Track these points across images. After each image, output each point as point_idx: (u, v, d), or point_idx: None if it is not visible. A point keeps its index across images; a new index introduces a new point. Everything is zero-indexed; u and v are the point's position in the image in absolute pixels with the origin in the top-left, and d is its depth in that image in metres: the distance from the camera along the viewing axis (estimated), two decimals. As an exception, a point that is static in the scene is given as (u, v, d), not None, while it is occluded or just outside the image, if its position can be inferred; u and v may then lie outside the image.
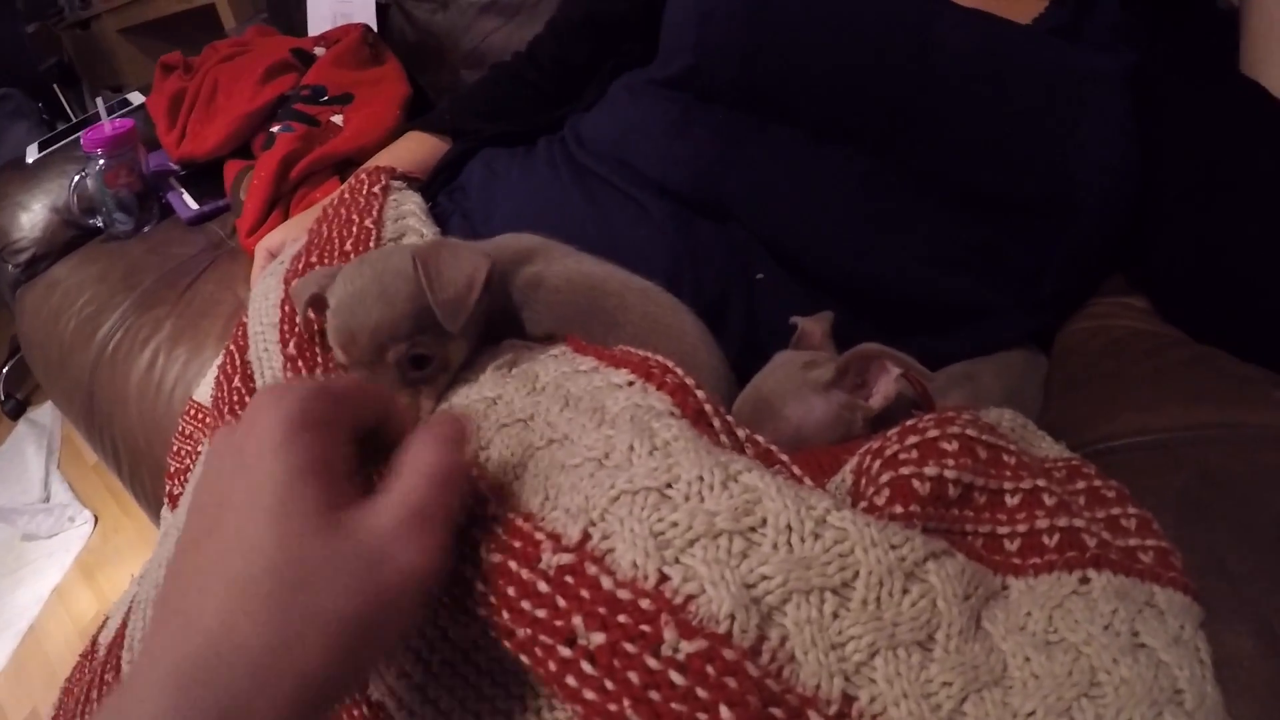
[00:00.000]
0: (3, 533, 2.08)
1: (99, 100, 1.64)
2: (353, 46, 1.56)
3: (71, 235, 1.64)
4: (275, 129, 1.37)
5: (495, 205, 0.88)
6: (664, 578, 0.40)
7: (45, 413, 2.41)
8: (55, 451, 2.26)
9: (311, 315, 0.67)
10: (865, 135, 0.77)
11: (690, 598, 0.39)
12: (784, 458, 0.51)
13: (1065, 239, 0.77)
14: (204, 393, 1.01)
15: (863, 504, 0.48)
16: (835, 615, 0.40)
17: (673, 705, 0.37)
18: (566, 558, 0.42)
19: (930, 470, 0.47)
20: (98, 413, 1.35)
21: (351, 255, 0.75)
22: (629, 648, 0.38)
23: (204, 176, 1.60)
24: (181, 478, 0.95)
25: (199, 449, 0.94)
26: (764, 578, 0.40)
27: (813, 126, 0.79)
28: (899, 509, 0.46)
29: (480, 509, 0.47)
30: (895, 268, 0.76)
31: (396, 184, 0.93)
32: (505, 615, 0.42)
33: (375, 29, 1.69)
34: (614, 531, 0.42)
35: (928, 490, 0.47)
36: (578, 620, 0.40)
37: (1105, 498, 0.50)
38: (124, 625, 0.75)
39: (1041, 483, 0.49)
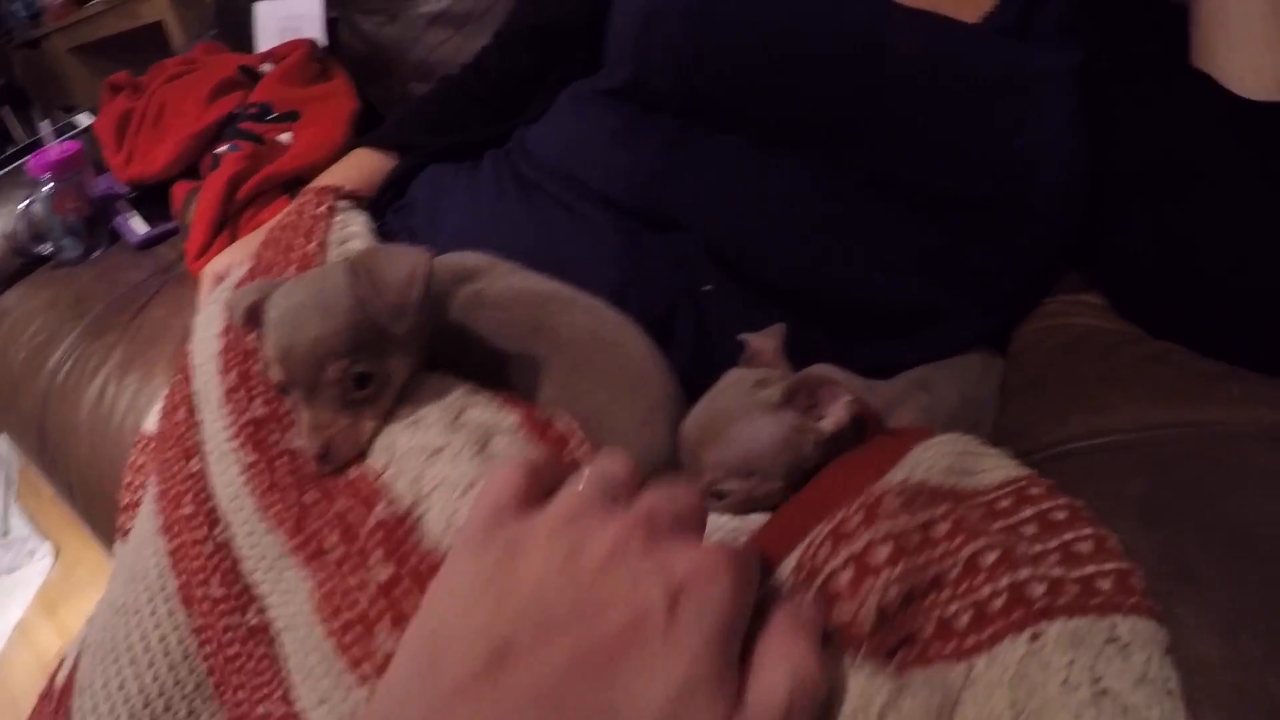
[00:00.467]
0: (-38, 570, 2.03)
1: (44, 124, 1.60)
2: (300, 62, 1.54)
3: (20, 263, 1.60)
4: (221, 149, 1.35)
5: (441, 222, 0.87)
6: None
7: (1, 445, 2.36)
8: (14, 484, 2.21)
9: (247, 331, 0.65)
10: (813, 141, 0.76)
11: None
12: None
13: (1019, 238, 0.77)
14: (153, 423, 0.99)
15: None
16: None
17: None
18: None
19: (870, 601, 0.44)
20: (50, 445, 1.32)
21: (254, 360, 0.73)
22: None
23: (153, 199, 1.57)
24: (133, 511, 0.92)
25: (148, 483, 0.92)
26: None
27: (760, 133, 0.78)
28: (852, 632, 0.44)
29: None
30: (848, 275, 0.75)
31: (342, 204, 0.91)
32: None
33: (323, 44, 1.67)
34: None
35: (872, 618, 0.44)
36: None
37: (1056, 522, 0.47)
38: (74, 670, 0.73)
39: (980, 544, 0.46)
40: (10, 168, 1.76)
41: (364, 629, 0.48)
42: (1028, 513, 0.48)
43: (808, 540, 0.47)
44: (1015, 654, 0.41)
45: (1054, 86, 0.75)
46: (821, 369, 0.58)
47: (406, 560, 0.50)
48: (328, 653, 0.50)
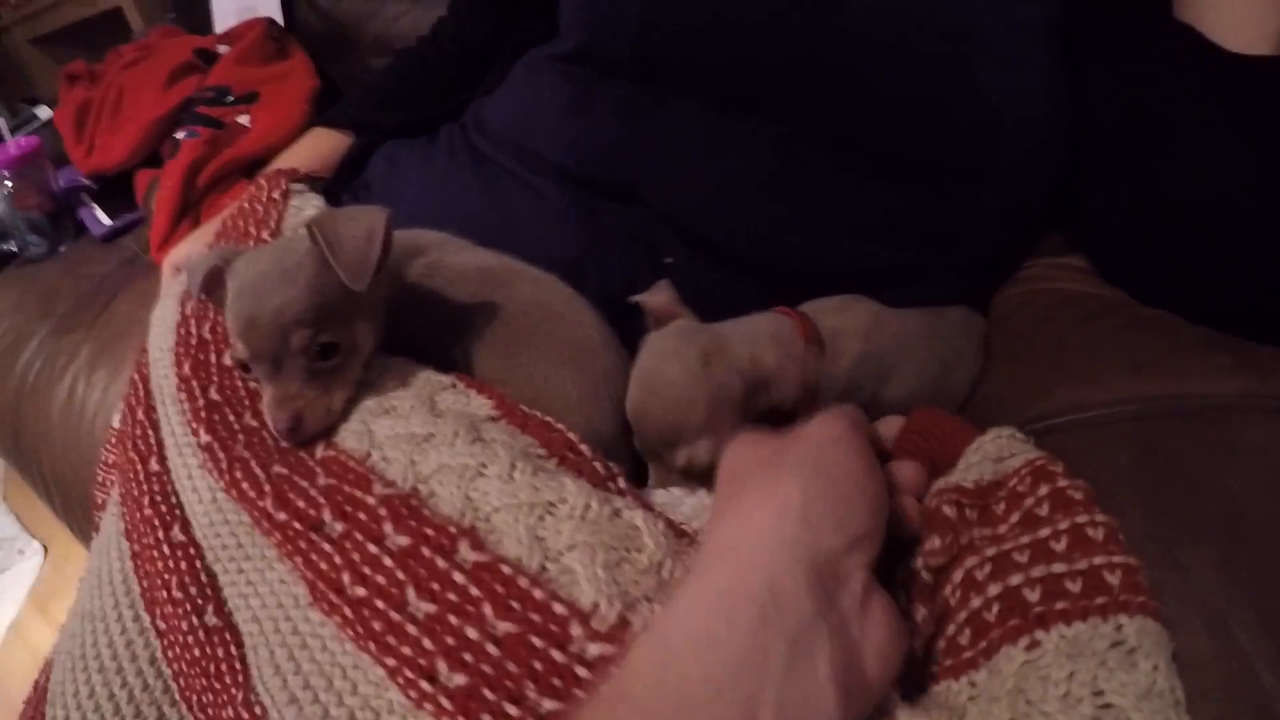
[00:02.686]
0: (-47, 572, 2.02)
1: (1, 121, 1.57)
2: (256, 42, 1.50)
3: (-15, 263, 1.57)
4: (180, 135, 1.32)
5: (397, 200, 0.85)
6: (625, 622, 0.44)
7: (-13, 444, 2.34)
8: (0, 484, 2.21)
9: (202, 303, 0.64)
10: (773, 103, 0.74)
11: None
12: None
13: (992, 198, 0.74)
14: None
15: None
16: None
17: None
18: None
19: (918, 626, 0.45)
20: (25, 446, 1.30)
21: (210, 346, 0.71)
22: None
23: (116, 189, 1.53)
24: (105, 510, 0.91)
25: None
26: None
27: (718, 96, 0.75)
28: None
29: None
30: (813, 241, 0.73)
31: (297, 187, 0.89)
32: None
33: (280, 22, 1.63)
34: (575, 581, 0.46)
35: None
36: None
37: (1071, 501, 0.46)
38: (46, 679, 0.72)
39: (971, 561, 0.46)
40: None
41: (386, 601, 0.48)
42: (1044, 490, 0.47)
43: None
44: (1013, 665, 0.40)
45: (1029, 39, 0.72)
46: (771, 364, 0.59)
47: (421, 530, 0.50)
48: (324, 638, 0.49)
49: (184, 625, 0.58)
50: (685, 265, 0.72)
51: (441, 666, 0.44)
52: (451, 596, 0.46)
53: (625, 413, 0.64)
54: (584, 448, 0.57)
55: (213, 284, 0.62)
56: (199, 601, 0.58)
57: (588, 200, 0.75)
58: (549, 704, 0.41)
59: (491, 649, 0.44)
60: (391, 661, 0.45)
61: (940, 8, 0.72)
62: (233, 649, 0.55)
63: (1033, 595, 0.43)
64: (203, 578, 0.59)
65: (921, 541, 0.47)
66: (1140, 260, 0.71)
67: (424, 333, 0.65)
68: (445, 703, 0.43)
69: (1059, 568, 0.43)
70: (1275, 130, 0.61)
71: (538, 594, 0.45)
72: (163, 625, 0.61)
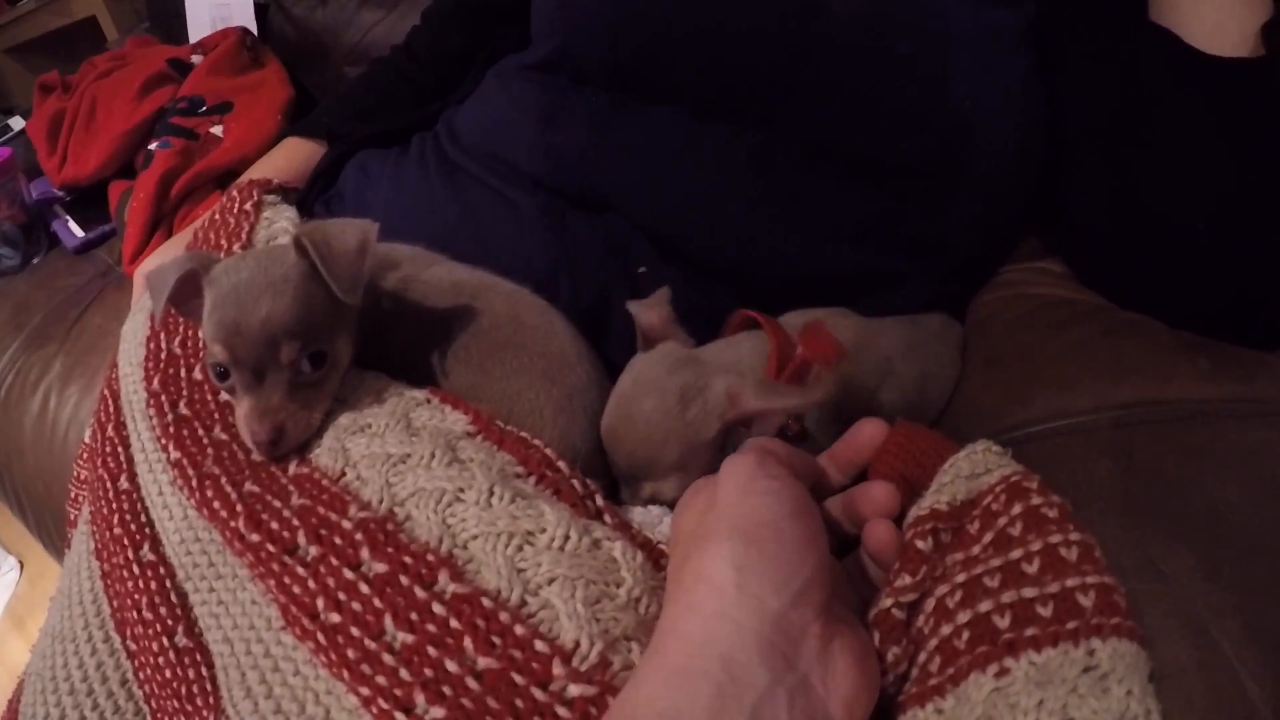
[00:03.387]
0: (-72, 589, 1.99)
1: (-29, 132, 1.55)
2: (230, 52, 1.49)
3: (-43, 277, 1.55)
4: (153, 146, 1.31)
5: (369, 210, 0.84)
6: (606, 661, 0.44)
7: (-37, 459, 2.32)
8: (-25, 499, 2.18)
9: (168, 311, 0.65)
10: (748, 109, 0.73)
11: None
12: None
13: (968, 203, 0.74)
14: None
15: None
16: None
17: None
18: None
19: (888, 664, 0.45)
20: (-4, 462, 1.29)
21: (180, 361, 0.70)
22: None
23: (89, 201, 1.51)
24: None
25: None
26: None
27: (692, 104, 0.75)
28: None
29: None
30: (789, 248, 0.73)
31: (270, 198, 0.88)
32: None
33: (254, 31, 1.62)
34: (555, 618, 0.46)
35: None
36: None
37: (1045, 519, 0.45)
38: (16, 700, 0.71)
39: (943, 589, 0.45)
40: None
41: (361, 629, 0.47)
42: (1017, 509, 0.46)
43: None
44: (981, 692, 0.40)
45: (1003, 45, 0.72)
46: (753, 406, 0.58)
47: (399, 558, 0.49)
48: (297, 662, 0.48)
49: (154, 646, 0.57)
50: (658, 275, 0.72)
51: (419, 698, 0.43)
52: (431, 628, 0.45)
53: (595, 426, 0.64)
54: (562, 465, 0.56)
55: (185, 292, 0.61)
56: (169, 622, 0.57)
57: (560, 210, 0.74)
58: None
59: (472, 684, 0.43)
60: (365, 690, 0.44)
61: (916, 15, 0.71)
62: (203, 670, 0.54)
63: (1002, 621, 0.42)
64: (173, 598, 0.58)
65: (892, 577, 0.46)
66: (1119, 264, 0.71)
67: (397, 347, 0.65)
68: None
69: (1029, 592, 0.42)
70: (1253, 132, 0.61)
71: (519, 630, 0.44)
72: (133, 646, 0.60)
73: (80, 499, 0.93)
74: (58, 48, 3.01)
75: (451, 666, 0.43)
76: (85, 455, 0.95)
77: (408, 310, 0.66)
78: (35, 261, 1.51)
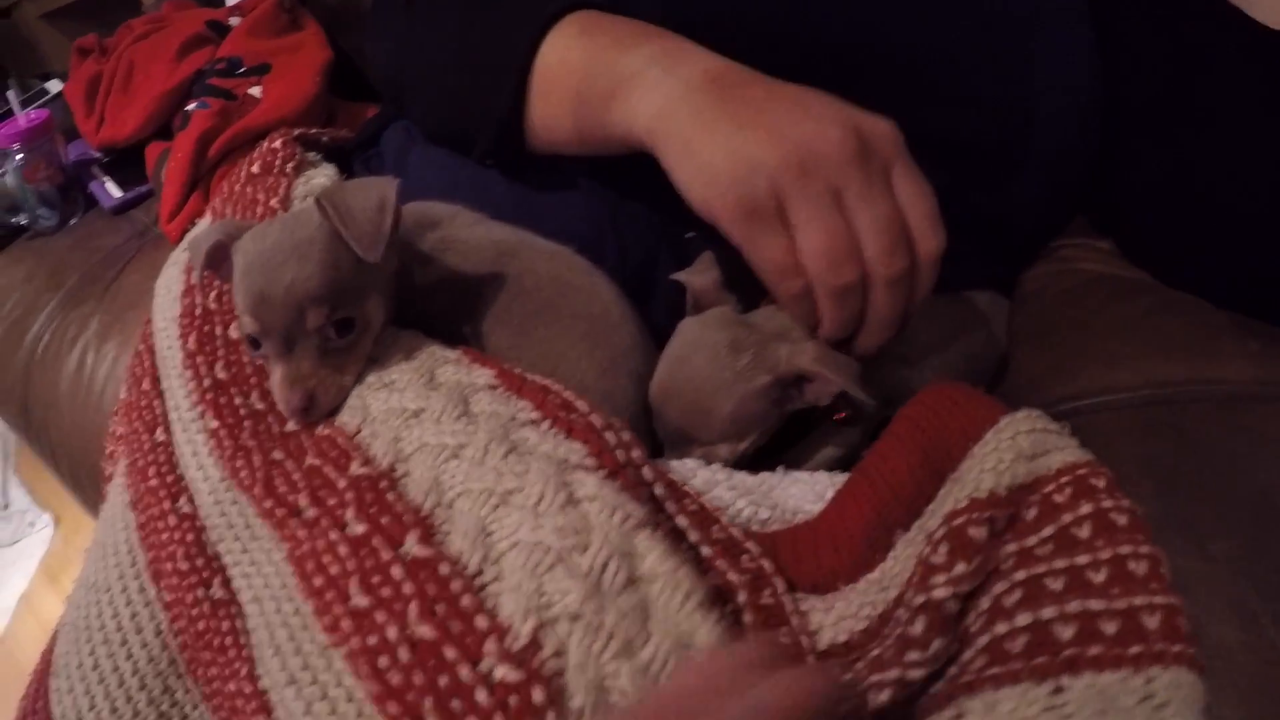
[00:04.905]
0: (-37, 545, 2.03)
1: (11, 94, 1.56)
2: (269, 13, 1.49)
3: (-4, 236, 1.57)
4: (191, 106, 1.31)
5: (410, 171, 0.83)
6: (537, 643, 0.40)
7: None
8: (11, 457, 2.21)
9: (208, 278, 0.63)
10: (813, 80, 0.71)
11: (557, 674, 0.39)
12: (751, 547, 0.50)
13: (1030, 181, 0.72)
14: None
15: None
16: None
17: None
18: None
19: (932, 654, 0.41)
20: (34, 419, 1.30)
21: (215, 318, 0.70)
22: None
23: (126, 162, 1.52)
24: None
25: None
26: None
27: (755, 65, 0.73)
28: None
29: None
30: None
31: (311, 156, 0.88)
32: None
33: (293, -7, 1.61)
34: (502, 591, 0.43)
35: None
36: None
37: (1115, 526, 0.42)
38: (50, 650, 0.71)
39: (999, 586, 0.43)
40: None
41: (337, 593, 0.46)
42: (1086, 509, 0.43)
43: (897, 553, 0.47)
44: (1031, 707, 0.37)
45: (1065, 20, 0.70)
46: (810, 368, 0.57)
47: (378, 519, 0.48)
48: (307, 619, 0.48)
49: (189, 598, 0.58)
50: (706, 242, 0.70)
51: (364, 667, 0.42)
52: (385, 592, 0.44)
53: (646, 392, 0.63)
54: (580, 405, 0.54)
55: (217, 259, 0.60)
56: (205, 574, 0.57)
57: (607, 172, 0.73)
58: None
59: (404, 653, 0.41)
60: (344, 651, 0.44)
61: None
62: (237, 623, 0.54)
63: (1065, 633, 0.40)
64: (209, 550, 0.58)
65: (944, 563, 0.43)
66: (1169, 242, 0.70)
67: (435, 308, 0.64)
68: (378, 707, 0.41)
69: (1096, 604, 0.40)
70: None
71: (465, 600, 0.42)
72: (169, 597, 0.60)
73: (115, 454, 0.93)
74: (92, 13, 3.02)
75: (391, 633, 0.42)
76: (121, 410, 0.96)
77: (446, 270, 0.64)
78: (73, 222, 1.52)
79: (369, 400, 0.57)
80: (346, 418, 0.57)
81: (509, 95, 0.66)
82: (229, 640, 0.54)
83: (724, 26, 0.72)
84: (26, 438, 1.37)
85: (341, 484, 0.51)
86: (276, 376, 0.57)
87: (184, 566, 0.58)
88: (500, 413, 0.53)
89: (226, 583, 0.56)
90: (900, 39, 0.69)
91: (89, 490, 1.22)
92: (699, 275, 0.64)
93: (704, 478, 0.56)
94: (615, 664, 0.39)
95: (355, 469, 0.51)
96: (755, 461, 0.60)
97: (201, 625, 0.56)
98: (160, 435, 0.66)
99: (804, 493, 0.55)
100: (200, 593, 0.57)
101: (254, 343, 0.59)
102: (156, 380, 0.70)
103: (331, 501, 0.50)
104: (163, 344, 0.71)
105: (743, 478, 0.57)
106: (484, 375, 0.57)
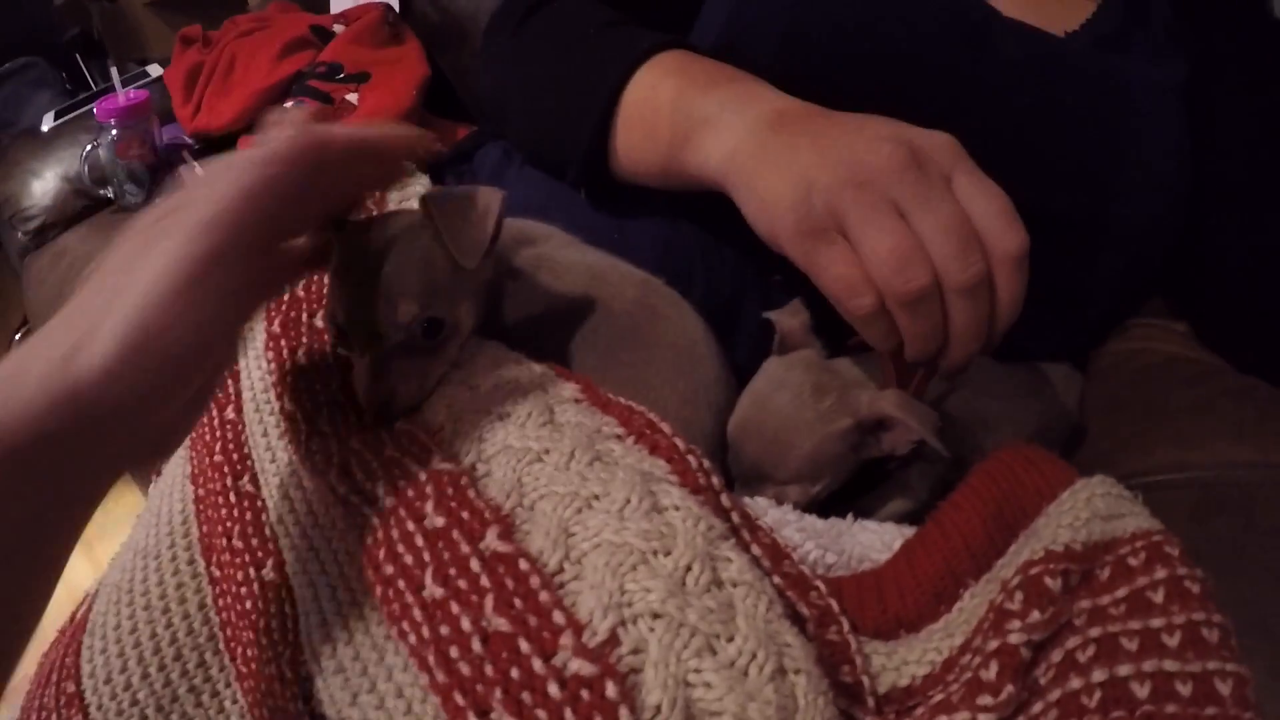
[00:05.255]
0: (2, 503, 2.05)
1: (113, 71, 1.61)
2: (372, 25, 1.53)
3: (82, 205, 1.61)
4: (288, 104, 1.35)
5: (504, 187, 0.84)
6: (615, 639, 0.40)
7: (50, 385, 2.39)
8: (58, 423, 2.24)
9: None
10: None
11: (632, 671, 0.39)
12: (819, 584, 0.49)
13: (1115, 256, 0.72)
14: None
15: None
16: None
17: None
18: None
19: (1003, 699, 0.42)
20: (93, 387, 1.32)
21: (303, 303, 0.70)
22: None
23: (218, 151, 1.57)
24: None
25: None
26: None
27: None
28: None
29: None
30: None
31: (406, 165, 0.89)
32: None
33: (397, 8, 1.66)
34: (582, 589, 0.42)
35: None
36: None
37: (1188, 594, 0.42)
38: (88, 610, 0.72)
39: (1073, 641, 0.42)
40: (80, 112, 1.77)
41: (409, 582, 0.46)
42: (1161, 574, 0.43)
43: (964, 604, 0.47)
44: None
45: (1158, 103, 0.70)
46: (890, 412, 0.57)
47: (458, 513, 0.47)
48: (364, 609, 0.49)
49: (239, 575, 0.57)
50: (792, 286, 0.71)
51: (431, 657, 0.42)
52: (461, 584, 0.44)
53: (725, 427, 0.63)
54: (665, 427, 0.54)
55: (317, 257, 0.61)
56: (259, 555, 0.57)
57: (698, 209, 0.74)
58: None
59: (476, 645, 0.41)
60: (407, 644, 0.44)
61: (1084, 68, 0.70)
62: (286, 608, 0.54)
63: (1141, 691, 0.39)
64: (266, 532, 0.58)
65: (1018, 610, 0.43)
66: (1245, 328, 0.70)
67: (523, 324, 0.64)
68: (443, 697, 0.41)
69: (1171, 665, 0.40)
70: None
71: (544, 596, 0.42)
72: (217, 573, 0.60)
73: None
74: (195, 4, 3.11)
75: (465, 624, 0.42)
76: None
77: (538, 287, 0.65)
78: (158, 202, 1.56)
79: (453, 400, 0.57)
80: (428, 415, 0.57)
81: (594, 125, 0.70)
82: (275, 624, 0.54)
83: (834, 81, 0.73)
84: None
85: (422, 476, 0.50)
86: (359, 370, 0.57)
87: (238, 544, 0.58)
88: (585, 424, 0.52)
89: (280, 566, 0.56)
90: (987, 105, 0.69)
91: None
92: (789, 316, 0.65)
93: (774, 517, 0.56)
94: (697, 660, 0.39)
95: (437, 464, 0.51)
96: (823, 509, 0.59)
97: (248, 604, 0.56)
98: (230, 414, 0.67)
99: (872, 541, 0.55)
100: (251, 572, 0.57)
101: (340, 334, 0.59)
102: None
103: (410, 493, 0.50)
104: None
105: (812, 521, 0.57)
106: (569, 388, 0.57)
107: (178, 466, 0.73)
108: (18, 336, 2.44)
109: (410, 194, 0.80)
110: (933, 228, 0.52)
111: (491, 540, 0.45)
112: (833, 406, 0.58)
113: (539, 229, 0.69)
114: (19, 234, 1.63)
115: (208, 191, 0.42)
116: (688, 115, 0.64)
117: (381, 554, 0.48)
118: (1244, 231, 0.68)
